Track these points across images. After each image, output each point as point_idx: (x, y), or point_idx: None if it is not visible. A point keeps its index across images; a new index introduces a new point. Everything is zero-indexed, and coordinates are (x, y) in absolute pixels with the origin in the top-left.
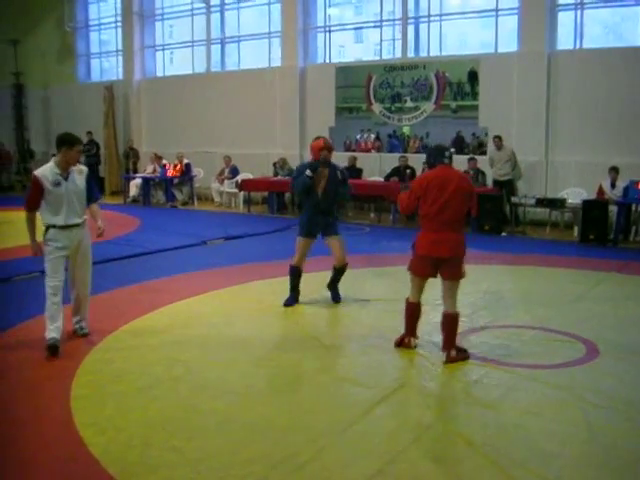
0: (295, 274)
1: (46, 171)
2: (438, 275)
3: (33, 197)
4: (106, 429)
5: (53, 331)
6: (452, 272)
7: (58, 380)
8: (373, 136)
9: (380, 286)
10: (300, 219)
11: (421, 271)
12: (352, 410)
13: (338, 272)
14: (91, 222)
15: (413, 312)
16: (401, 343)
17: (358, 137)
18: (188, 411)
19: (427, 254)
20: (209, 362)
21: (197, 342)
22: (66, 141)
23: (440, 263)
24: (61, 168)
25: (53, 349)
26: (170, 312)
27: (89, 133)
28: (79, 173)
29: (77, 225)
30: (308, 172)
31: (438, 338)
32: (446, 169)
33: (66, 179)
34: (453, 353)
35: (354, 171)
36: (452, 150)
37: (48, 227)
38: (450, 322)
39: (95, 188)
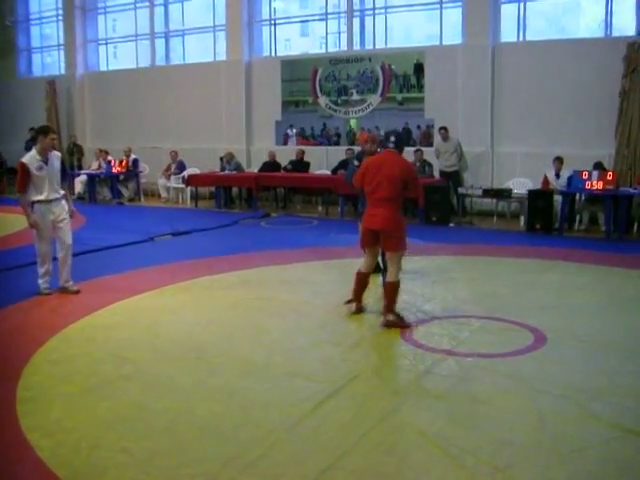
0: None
1: (30, 158)
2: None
3: (22, 180)
4: (53, 431)
5: (44, 283)
6: (388, 244)
7: (3, 382)
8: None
9: (329, 279)
10: None
11: (363, 242)
12: (303, 405)
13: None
14: None
15: (359, 281)
16: (348, 302)
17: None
18: (137, 410)
19: (366, 226)
20: (158, 360)
21: (145, 340)
22: (41, 131)
23: (377, 236)
24: (41, 155)
25: (45, 295)
26: (118, 310)
27: (31, 129)
28: (57, 158)
29: (57, 199)
30: (355, 162)
31: (390, 334)
32: (387, 154)
33: (46, 163)
34: (390, 317)
35: (301, 165)
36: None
37: (33, 203)
38: (388, 289)
39: (65, 172)
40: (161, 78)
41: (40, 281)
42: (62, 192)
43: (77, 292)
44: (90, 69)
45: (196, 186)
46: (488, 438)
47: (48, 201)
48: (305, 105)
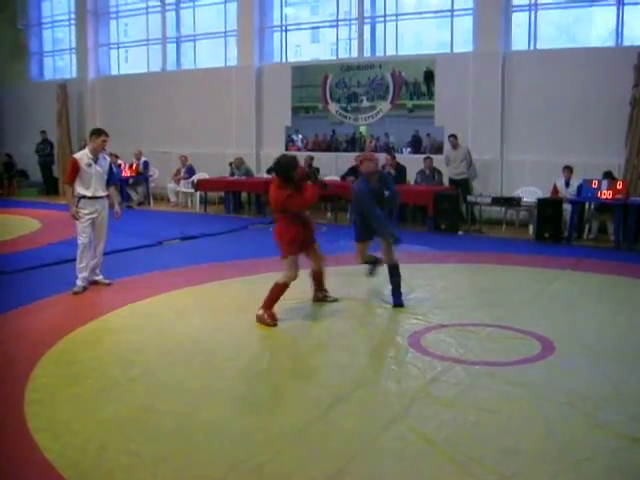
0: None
1: (82, 155)
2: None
3: (71, 174)
4: (61, 433)
5: (80, 280)
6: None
7: (11, 384)
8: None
9: (336, 285)
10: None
11: None
12: (311, 410)
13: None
14: None
15: (313, 277)
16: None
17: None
18: (145, 413)
19: None
20: (166, 363)
21: (153, 343)
22: (94, 132)
23: None
24: (92, 153)
25: (77, 294)
26: (126, 313)
27: (43, 132)
28: (106, 160)
29: (101, 197)
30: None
31: (398, 340)
32: (273, 178)
33: (96, 162)
34: (259, 312)
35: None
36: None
37: (80, 198)
38: (273, 288)
39: (113, 174)
40: (172, 83)
41: (78, 277)
42: (107, 192)
43: (109, 284)
44: (101, 73)
45: (205, 191)
46: (495, 446)
47: (94, 198)
48: (315, 111)
